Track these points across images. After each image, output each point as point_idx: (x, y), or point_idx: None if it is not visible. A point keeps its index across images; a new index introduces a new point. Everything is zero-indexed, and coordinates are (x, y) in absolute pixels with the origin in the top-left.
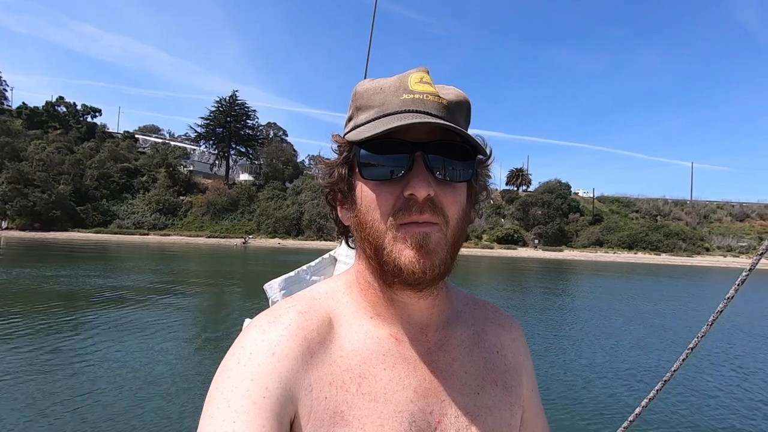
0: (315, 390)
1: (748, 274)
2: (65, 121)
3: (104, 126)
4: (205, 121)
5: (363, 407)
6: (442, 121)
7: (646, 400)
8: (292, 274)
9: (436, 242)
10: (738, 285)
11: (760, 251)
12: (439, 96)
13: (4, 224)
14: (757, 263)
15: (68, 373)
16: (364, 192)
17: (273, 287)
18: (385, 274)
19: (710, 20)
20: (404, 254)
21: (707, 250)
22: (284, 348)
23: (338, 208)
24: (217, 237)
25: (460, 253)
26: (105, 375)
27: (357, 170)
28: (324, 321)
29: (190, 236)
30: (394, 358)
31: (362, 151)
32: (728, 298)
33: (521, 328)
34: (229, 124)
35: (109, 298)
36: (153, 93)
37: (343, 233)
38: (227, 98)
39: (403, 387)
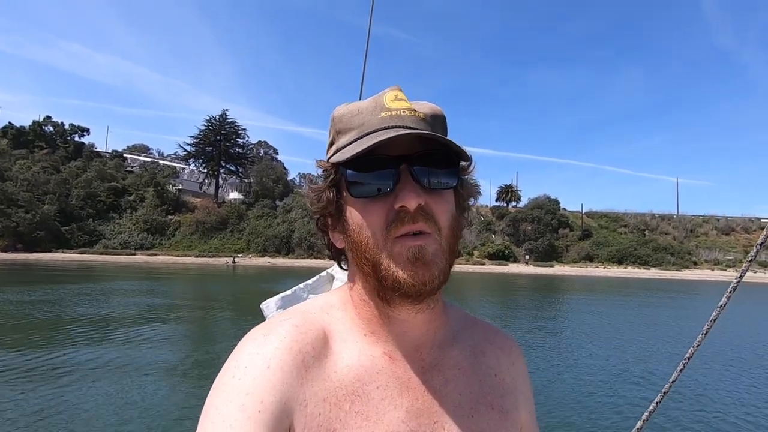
0: (310, 406)
1: (738, 282)
2: (52, 141)
3: (92, 145)
4: (194, 140)
5: (355, 426)
6: (421, 131)
7: (646, 413)
8: (288, 292)
9: (433, 253)
10: (729, 293)
11: (749, 258)
12: (415, 110)
13: None
14: (746, 270)
15: (47, 405)
16: (354, 211)
17: (270, 306)
18: (385, 289)
19: (690, 43)
20: (402, 268)
21: (695, 263)
22: (279, 361)
23: (329, 233)
24: (205, 256)
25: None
26: (89, 405)
27: (345, 191)
28: (319, 335)
29: (178, 256)
30: (387, 376)
31: (348, 171)
32: (721, 306)
33: (521, 351)
34: (219, 142)
35: (89, 322)
36: (142, 112)
37: (335, 257)
38: (217, 117)
39: (395, 407)
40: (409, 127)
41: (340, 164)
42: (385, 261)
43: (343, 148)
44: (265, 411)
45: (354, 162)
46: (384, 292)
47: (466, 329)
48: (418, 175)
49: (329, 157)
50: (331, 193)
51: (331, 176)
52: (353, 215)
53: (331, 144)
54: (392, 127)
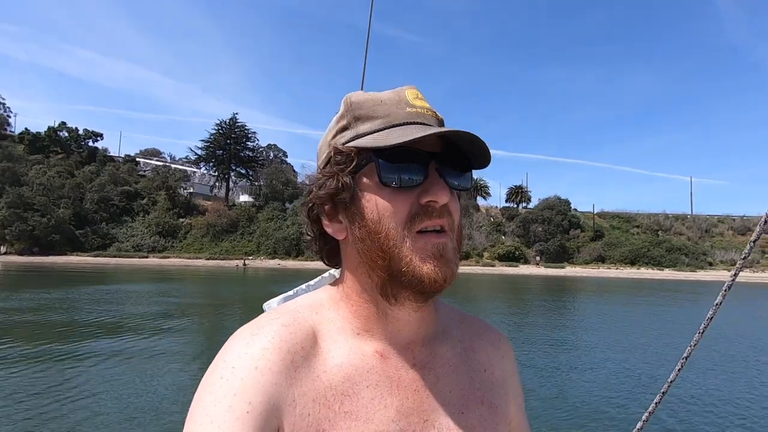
0: (299, 406)
1: (733, 280)
2: (67, 146)
3: (105, 150)
4: (205, 144)
5: (344, 426)
6: (473, 133)
7: (646, 414)
8: (290, 293)
9: (452, 251)
10: (725, 291)
11: (743, 256)
12: (435, 112)
13: (2, 249)
14: (741, 269)
15: (61, 404)
16: (377, 200)
17: (272, 306)
18: (398, 285)
19: (702, 38)
20: (426, 264)
21: (710, 264)
22: (268, 361)
23: (327, 223)
24: (216, 258)
25: (461, 271)
26: (100, 404)
27: (369, 179)
28: (308, 335)
29: (190, 258)
30: (377, 375)
31: (381, 160)
32: (717, 304)
33: (511, 345)
34: (230, 146)
35: (102, 323)
36: (154, 117)
37: (321, 251)
38: (227, 121)
39: (384, 406)
40: (432, 127)
41: (372, 150)
42: (407, 255)
43: (365, 135)
44: (254, 412)
45: (386, 150)
46: (392, 288)
47: (456, 325)
48: (444, 174)
49: (347, 141)
50: (349, 179)
51: (354, 161)
52: (376, 204)
53: (345, 128)
54: (419, 123)
